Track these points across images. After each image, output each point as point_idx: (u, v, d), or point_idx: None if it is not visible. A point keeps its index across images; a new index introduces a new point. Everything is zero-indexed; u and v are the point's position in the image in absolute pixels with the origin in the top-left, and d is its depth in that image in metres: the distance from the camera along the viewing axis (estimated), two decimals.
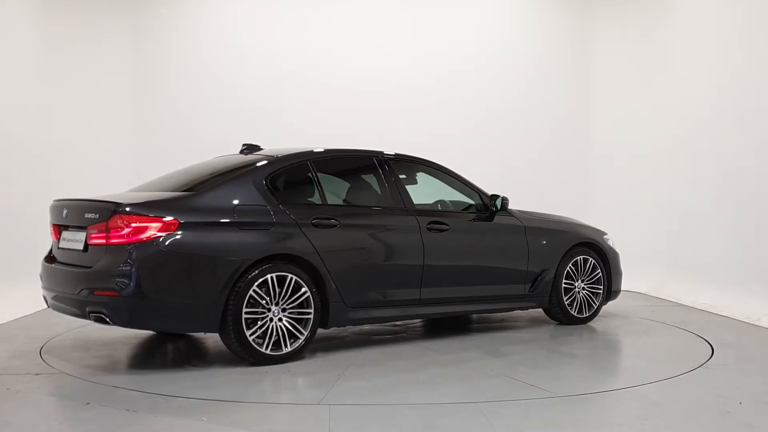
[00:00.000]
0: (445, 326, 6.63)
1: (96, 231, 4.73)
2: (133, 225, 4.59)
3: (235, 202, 4.98)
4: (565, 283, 6.49)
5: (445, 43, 10.22)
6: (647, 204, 9.67)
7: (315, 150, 5.71)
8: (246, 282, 4.80)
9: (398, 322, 6.61)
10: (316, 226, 5.19)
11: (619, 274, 6.93)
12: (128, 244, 4.58)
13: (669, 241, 9.17)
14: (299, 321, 5.04)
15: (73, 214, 5.08)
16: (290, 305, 4.99)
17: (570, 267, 6.52)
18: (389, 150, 6.12)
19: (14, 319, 6.81)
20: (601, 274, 6.70)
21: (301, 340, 5.02)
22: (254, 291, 4.82)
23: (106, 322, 4.71)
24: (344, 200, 5.88)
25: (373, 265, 5.50)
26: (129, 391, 4.33)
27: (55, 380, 4.64)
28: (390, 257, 5.58)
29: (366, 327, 6.44)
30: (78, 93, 9.66)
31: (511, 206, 6.37)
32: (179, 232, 4.66)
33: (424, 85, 10.16)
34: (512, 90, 10.33)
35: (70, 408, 4.08)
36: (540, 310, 6.71)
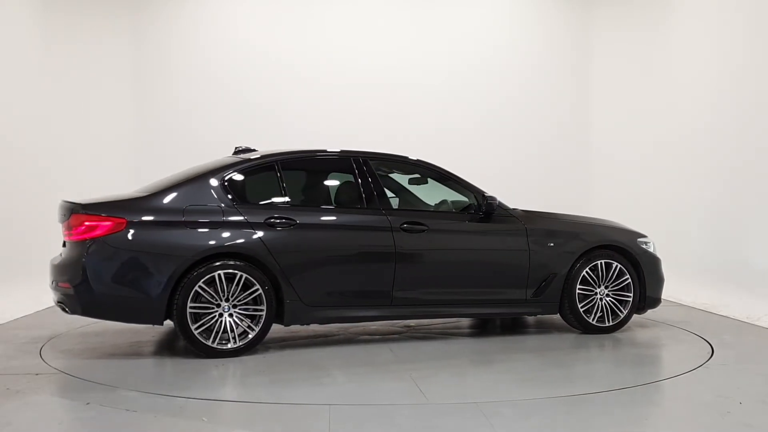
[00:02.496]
0: (486, 329, 6.58)
1: (65, 229, 5.24)
2: (86, 224, 5.04)
3: (188, 202, 5.24)
4: (580, 289, 6.02)
5: (445, 44, 10.23)
6: (647, 203, 9.68)
7: (286, 151, 5.80)
8: (192, 278, 5.04)
9: (411, 323, 6.56)
10: (270, 225, 5.29)
11: (657, 280, 6.32)
12: (83, 240, 5.04)
13: (669, 241, 9.15)
14: (252, 318, 5.21)
15: (59, 214, 5.47)
16: (242, 302, 5.17)
17: (587, 272, 6.05)
18: (372, 150, 6.07)
19: (14, 319, 6.80)
20: (630, 280, 6.13)
21: (251, 336, 5.19)
22: (200, 287, 5.06)
23: (67, 312, 5.18)
24: (311, 200, 5.85)
25: (334, 265, 5.47)
26: (129, 391, 4.32)
27: (55, 380, 4.64)
28: (355, 257, 5.52)
29: (373, 326, 6.44)
30: (78, 93, 9.67)
31: (514, 206, 6.17)
32: (126, 231, 5.04)
33: (424, 85, 10.17)
34: (512, 90, 10.35)
35: (70, 408, 4.08)
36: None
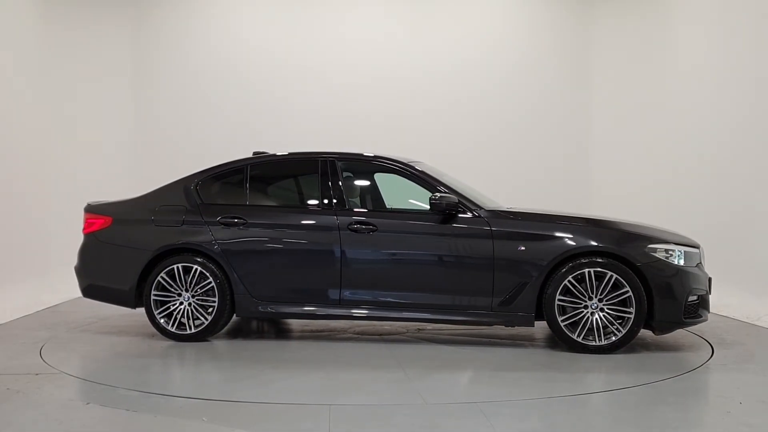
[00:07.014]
0: (494, 335, 6.59)
1: None
2: (88, 221, 6.15)
3: (160, 203, 6.01)
4: (561, 300, 5.33)
5: (445, 44, 10.23)
6: (647, 203, 9.67)
7: (259, 154, 6.24)
8: (155, 269, 5.79)
9: (428, 326, 6.47)
10: (223, 224, 5.81)
11: (675, 296, 5.35)
12: (87, 234, 6.13)
13: None
14: (207, 308, 5.74)
15: None
16: (198, 293, 5.75)
17: (570, 281, 5.32)
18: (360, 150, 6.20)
19: (14, 319, 6.81)
20: (631, 293, 5.25)
21: (205, 324, 5.73)
22: (161, 278, 5.78)
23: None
24: (270, 201, 6.23)
25: (280, 262, 5.79)
26: (129, 391, 4.33)
27: (55, 380, 4.64)
28: (300, 255, 5.75)
29: (379, 326, 6.44)
30: (78, 95, 9.66)
31: (511, 204, 6.05)
32: (110, 228, 6.04)
33: (425, 86, 10.17)
34: (512, 89, 10.33)
35: (70, 408, 4.08)
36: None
